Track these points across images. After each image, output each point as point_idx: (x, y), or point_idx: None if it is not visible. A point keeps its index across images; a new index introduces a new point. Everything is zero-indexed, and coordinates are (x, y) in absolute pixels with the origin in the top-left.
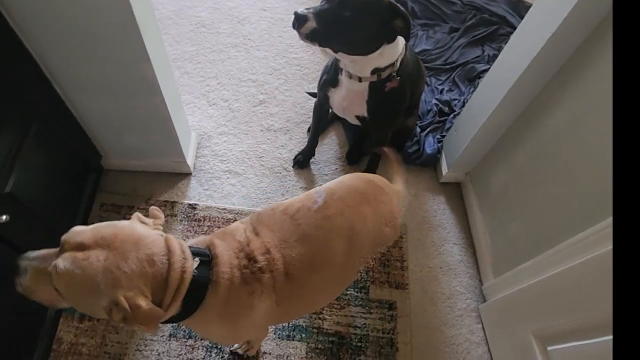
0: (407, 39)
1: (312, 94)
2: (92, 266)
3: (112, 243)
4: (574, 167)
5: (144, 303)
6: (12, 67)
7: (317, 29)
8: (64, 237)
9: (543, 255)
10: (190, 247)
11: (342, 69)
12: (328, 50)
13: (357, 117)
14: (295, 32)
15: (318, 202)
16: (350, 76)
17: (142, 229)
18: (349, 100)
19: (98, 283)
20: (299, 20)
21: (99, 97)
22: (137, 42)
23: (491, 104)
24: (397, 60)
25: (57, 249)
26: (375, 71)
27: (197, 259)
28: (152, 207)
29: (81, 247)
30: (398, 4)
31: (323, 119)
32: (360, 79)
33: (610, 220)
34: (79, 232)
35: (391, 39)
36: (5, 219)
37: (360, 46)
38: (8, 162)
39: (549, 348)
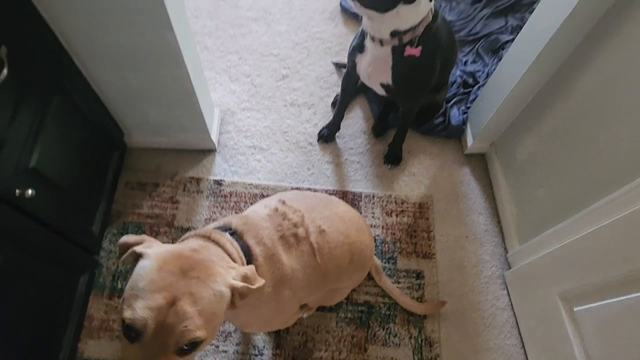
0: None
1: (339, 65)
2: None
3: (189, 272)
4: (606, 127)
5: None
6: (29, 36)
7: None
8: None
9: (570, 219)
10: (214, 229)
11: (367, 33)
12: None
13: (382, 86)
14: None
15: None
16: (373, 39)
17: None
18: (374, 66)
19: (220, 293)
20: None
21: (120, 69)
22: (160, 9)
23: (518, 71)
24: (419, 25)
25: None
26: (395, 34)
27: (226, 233)
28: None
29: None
30: None
31: (351, 89)
32: (381, 42)
33: None
34: (145, 307)
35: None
36: (31, 193)
37: (381, 3)
38: (31, 136)
39: (575, 309)
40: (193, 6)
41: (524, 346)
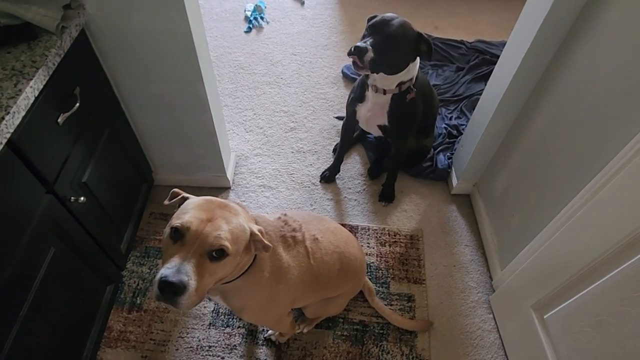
0: (429, 58)
1: (339, 118)
2: (235, 218)
3: (223, 208)
4: (553, 157)
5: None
6: (94, 83)
7: (374, 58)
8: (188, 227)
9: (535, 238)
10: None
11: (368, 86)
12: (371, 73)
13: (379, 127)
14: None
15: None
16: (377, 90)
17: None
18: (373, 112)
19: (243, 227)
20: (361, 52)
21: (156, 114)
22: (194, 65)
23: (486, 118)
24: (414, 76)
25: (183, 249)
26: (400, 85)
27: None
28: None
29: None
30: (422, 33)
31: (350, 136)
32: (385, 92)
33: (581, 194)
34: (192, 216)
35: (414, 59)
36: (83, 200)
37: (398, 67)
38: (86, 157)
39: (545, 316)
40: (217, 73)
41: None
